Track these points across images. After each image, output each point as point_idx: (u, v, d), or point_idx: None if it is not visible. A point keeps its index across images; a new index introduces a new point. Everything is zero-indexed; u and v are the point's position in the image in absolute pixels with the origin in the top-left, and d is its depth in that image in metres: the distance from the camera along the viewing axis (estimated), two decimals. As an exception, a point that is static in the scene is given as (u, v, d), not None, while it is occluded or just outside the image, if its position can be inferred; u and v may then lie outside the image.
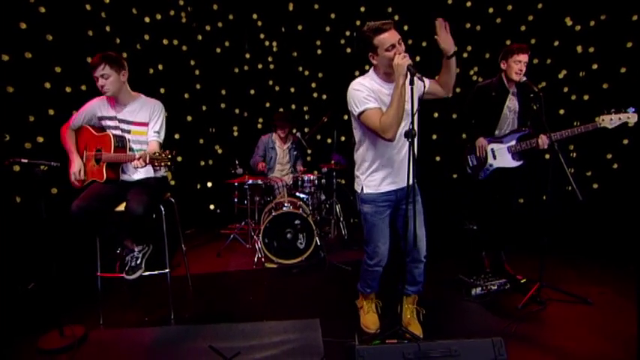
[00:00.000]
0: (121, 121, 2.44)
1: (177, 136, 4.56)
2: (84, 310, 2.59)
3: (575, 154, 4.64)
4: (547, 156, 4.66)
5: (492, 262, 3.25)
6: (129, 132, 2.46)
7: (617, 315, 2.54)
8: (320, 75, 4.85)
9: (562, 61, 4.53)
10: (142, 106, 2.47)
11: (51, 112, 3.64)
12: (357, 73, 4.85)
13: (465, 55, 4.68)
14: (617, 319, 2.48)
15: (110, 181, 2.37)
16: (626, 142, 4.42)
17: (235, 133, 4.86)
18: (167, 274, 2.55)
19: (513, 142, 2.93)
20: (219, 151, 4.82)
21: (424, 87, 1.93)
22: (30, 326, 2.44)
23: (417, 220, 2.23)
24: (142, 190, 2.33)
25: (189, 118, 4.64)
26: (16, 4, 3.42)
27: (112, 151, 2.32)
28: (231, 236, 3.87)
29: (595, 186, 4.64)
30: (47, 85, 3.64)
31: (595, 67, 4.44)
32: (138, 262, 2.43)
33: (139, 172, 2.44)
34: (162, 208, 2.51)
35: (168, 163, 2.09)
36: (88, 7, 3.88)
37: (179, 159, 4.57)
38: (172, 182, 4.53)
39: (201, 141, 4.75)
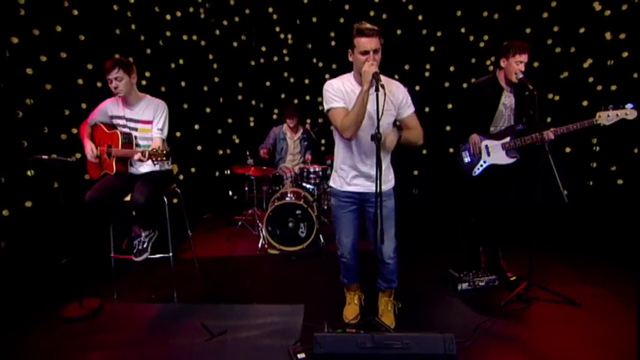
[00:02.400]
0: (128, 119, 2.72)
1: (197, 127, 4.86)
2: (101, 285, 2.96)
3: (598, 148, 4.42)
4: (568, 149, 4.52)
5: (489, 258, 3.27)
6: (136, 129, 2.74)
7: (603, 318, 2.52)
8: (334, 66, 4.91)
9: (588, 49, 4.28)
10: (147, 105, 2.73)
11: (84, 105, 4.02)
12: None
13: (482, 44, 4.54)
14: (602, 322, 2.48)
15: (119, 174, 2.68)
16: (657, 135, 4.15)
17: (252, 124, 5.09)
18: (170, 257, 2.85)
19: (508, 139, 2.91)
20: (237, 141, 5.08)
21: (385, 95, 1.99)
22: (54, 297, 2.84)
23: (384, 223, 2.31)
24: (146, 182, 2.61)
25: (207, 110, 4.92)
26: (53, 9, 3.77)
27: (120, 146, 2.61)
28: (239, 223, 4.16)
29: (620, 182, 4.41)
30: (80, 81, 4.01)
31: (625, 55, 4.17)
32: (144, 245, 2.74)
33: (145, 166, 2.72)
34: (165, 199, 2.78)
35: (164, 158, 2.36)
36: (115, 7, 4.19)
37: (199, 148, 4.91)
38: (193, 170, 4.89)
39: (220, 131, 5.04)
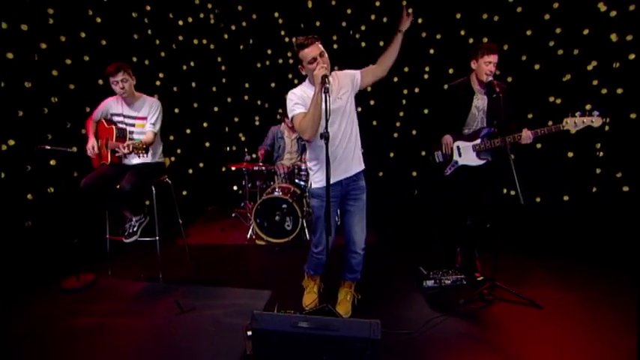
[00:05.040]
0: (125, 116, 3.06)
1: (205, 125, 5.22)
2: (99, 263, 3.33)
3: (602, 153, 4.26)
4: (570, 154, 4.39)
5: (465, 258, 3.31)
6: (133, 125, 3.07)
7: (561, 320, 2.54)
8: (336, 68, 5.05)
9: (592, 52, 4.14)
10: (143, 103, 3.06)
11: (103, 103, 4.47)
12: (370, 65, 4.97)
13: (481, 46, 4.51)
14: (559, 324, 2.49)
15: (114, 164, 3.02)
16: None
17: (257, 123, 5.37)
18: (156, 241, 3.15)
19: (478, 141, 2.96)
20: (243, 139, 5.37)
21: (329, 97, 2.14)
22: (54, 272, 3.23)
23: (358, 215, 2.50)
24: (134, 172, 2.93)
25: (216, 109, 5.26)
26: (79, 17, 4.21)
27: (114, 140, 2.95)
28: (233, 215, 4.43)
29: (625, 189, 4.23)
30: (100, 81, 4.41)
31: (632, 57, 4.00)
32: (134, 229, 3.06)
33: (136, 158, 3.04)
34: (154, 188, 3.09)
35: (143, 151, 2.70)
36: (134, 14, 4.60)
37: (207, 144, 5.27)
38: (201, 165, 5.26)
39: (227, 129, 5.36)
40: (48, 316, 2.65)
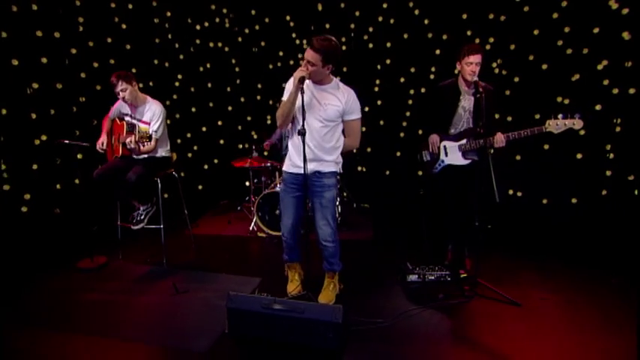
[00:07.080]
0: (132, 117, 3.36)
1: (220, 123, 5.52)
2: (111, 247, 3.66)
3: (612, 155, 4.13)
4: (579, 155, 4.29)
5: (455, 256, 3.35)
6: (138, 126, 3.36)
7: (537, 319, 2.55)
8: (344, 69, 5.21)
9: (602, 51, 4.03)
10: (147, 108, 3.30)
11: (126, 102, 4.85)
12: (378, 67, 5.09)
13: (488, 47, 4.49)
14: (532, 322, 2.52)
15: (124, 157, 3.33)
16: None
17: (269, 122, 5.59)
18: (161, 229, 3.43)
19: (464, 141, 3.01)
20: (255, 137, 5.62)
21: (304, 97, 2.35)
22: (71, 254, 3.58)
23: (319, 212, 2.67)
24: (141, 164, 3.22)
25: (230, 108, 5.55)
26: (106, 24, 4.59)
27: (124, 134, 3.26)
28: (238, 208, 4.68)
29: (637, 192, 4.08)
30: (124, 83, 4.83)
31: (645, 55, 3.87)
32: (141, 217, 3.36)
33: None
34: (159, 180, 3.36)
35: (147, 140, 3.06)
36: (156, 20, 4.96)
37: (221, 142, 5.58)
38: (215, 161, 5.57)
39: (240, 127, 5.63)
40: (64, 290, 2.99)
